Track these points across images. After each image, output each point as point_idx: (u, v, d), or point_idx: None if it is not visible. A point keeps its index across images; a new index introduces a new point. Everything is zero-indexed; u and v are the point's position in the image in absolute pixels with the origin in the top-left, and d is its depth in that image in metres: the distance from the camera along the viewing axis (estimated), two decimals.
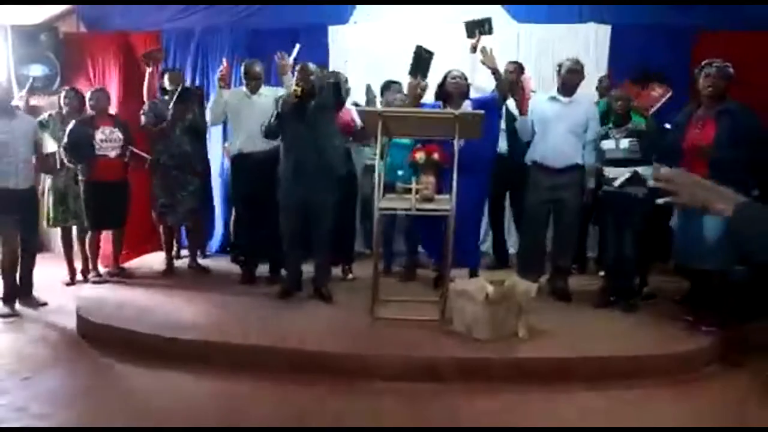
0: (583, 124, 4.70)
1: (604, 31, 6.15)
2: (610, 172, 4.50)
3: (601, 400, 3.48)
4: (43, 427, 3.05)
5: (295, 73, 4.61)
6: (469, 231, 4.75)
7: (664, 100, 4.43)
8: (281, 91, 4.89)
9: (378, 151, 4.17)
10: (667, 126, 4.52)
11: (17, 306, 4.94)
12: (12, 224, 4.84)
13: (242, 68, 5.29)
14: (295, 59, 4.87)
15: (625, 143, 4.40)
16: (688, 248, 4.19)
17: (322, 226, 4.72)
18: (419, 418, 3.29)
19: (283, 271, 5.09)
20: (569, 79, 4.72)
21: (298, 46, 5.03)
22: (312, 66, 4.64)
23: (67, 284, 5.71)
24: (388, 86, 5.52)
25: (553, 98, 4.79)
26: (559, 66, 4.80)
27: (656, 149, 4.36)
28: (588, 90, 5.39)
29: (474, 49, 4.68)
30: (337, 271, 5.49)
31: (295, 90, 4.51)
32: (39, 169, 5.16)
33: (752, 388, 3.67)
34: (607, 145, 4.49)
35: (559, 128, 4.68)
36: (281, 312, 4.54)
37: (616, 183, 4.42)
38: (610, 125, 4.54)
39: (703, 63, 4.19)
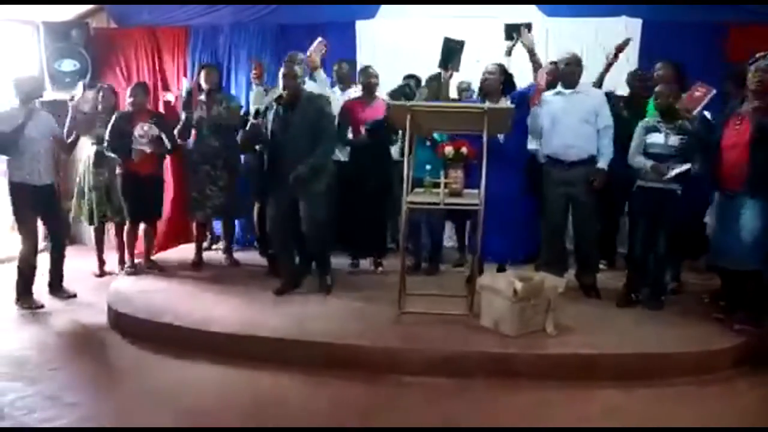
0: (593, 113, 4.68)
1: (634, 26, 6.07)
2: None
3: (628, 398, 3.46)
4: (43, 428, 3.07)
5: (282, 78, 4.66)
6: (514, 224, 4.71)
7: (707, 100, 4.35)
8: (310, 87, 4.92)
9: (407, 146, 4.16)
10: (706, 114, 4.44)
11: (39, 298, 4.96)
12: (34, 220, 4.91)
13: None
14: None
15: (675, 140, 4.32)
16: (725, 248, 4.12)
17: (310, 227, 4.70)
18: (446, 414, 3.28)
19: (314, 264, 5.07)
20: (566, 71, 4.74)
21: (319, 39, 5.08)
22: (297, 69, 4.64)
23: (97, 276, 5.81)
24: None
25: (558, 92, 4.82)
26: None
27: (702, 148, 4.28)
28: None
29: (509, 52, 4.66)
30: (365, 263, 5.58)
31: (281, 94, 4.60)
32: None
33: None
34: (655, 138, 4.39)
35: (568, 121, 4.67)
36: (309, 305, 4.56)
37: (671, 174, 4.26)
38: (659, 119, 4.45)
39: (756, 56, 4.02)
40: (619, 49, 5.06)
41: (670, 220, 4.37)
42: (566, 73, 4.76)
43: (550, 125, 4.75)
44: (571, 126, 4.67)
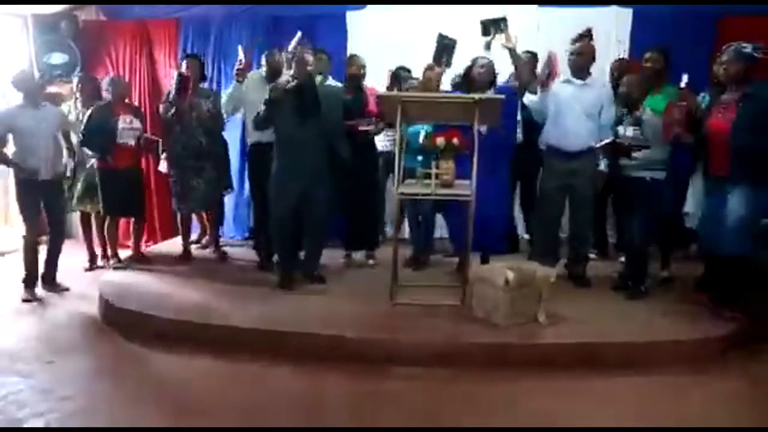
0: (597, 107, 4.68)
1: (625, 16, 6.08)
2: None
3: (621, 386, 3.48)
4: (42, 428, 3.06)
5: (293, 65, 4.60)
6: (499, 216, 4.75)
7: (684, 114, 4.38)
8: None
9: (397, 137, 4.16)
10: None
11: (39, 291, 5.00)
12: (36, 210, 4.91)
13: (263, 60, 5.30)
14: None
15: (629, 131, 4.38)
16: (711, 233, 4.15)
17: (317, 218, 4.74)
18: (439, 404, 3.29)
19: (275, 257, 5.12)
20: (576, 61, 4.72)
21: (299, 34, 5.00)
22: (309, 57, 4.59)
23: (87, 270, 5.80)
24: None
25: (568, 81, 4.79)
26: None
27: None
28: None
29: (488, 46, 4.66)
30: (358, 255, 5.59)
31: (288, 80, 4.52)
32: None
33: None
34: (620, 131, 4.46)
35: (574, 111, 4.67)
36: (301, 298, 4.56)
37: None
38: (625, 111, 4.50)
39: (723, 48, 4.14)
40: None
41: (648, 209, 4.39)
42: (575, 64, 4.73)
43: (554, 114, 4.74)
44: (574, 117, 4.66)
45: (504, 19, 4.61)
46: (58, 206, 5.10)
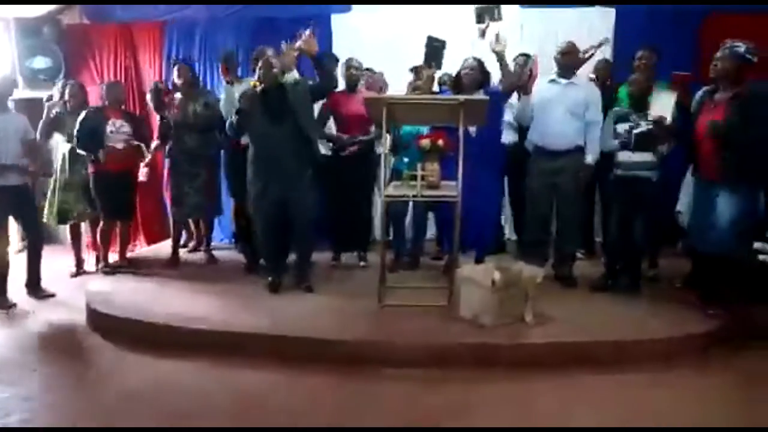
0: (583, 105, 4.69)
1: (608, 15, 6.11)
2: (622, 156, 4.45)
3: (608, 385, 3.48)
4: (40, 428, 3.05)
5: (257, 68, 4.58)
6: (488, 217, 4.78)
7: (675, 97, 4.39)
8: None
9: (383, 139, 4.16)
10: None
11: (10, 298, 4.91)
12: (4, 220, 4.85)
13: (254, 56, 5.27)
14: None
15: (644, 128, 4.37)
16: (702, 233, 4.16)
17: (301, 223, 4.68)
18: (428, 405, 3.29)
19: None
20: (562, 60, 4.75)
21: (309, 29, 4.94)
22: (274, 60, 4.55)
23: (73, 275, 5.76)
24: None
25: (553, 81, 4.82)
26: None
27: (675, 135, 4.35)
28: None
29: (483, 33, 4.66)
30: (346, 257, 5.59)
31: (254, 84, 4.50)
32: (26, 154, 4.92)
33: (757, 370, 3.68)
34: (624, 127, 4.44)
35: (559, 110, 4.68)
36: (289, 300, 4.55)
37: (640, 129, 4.31)
38: (629, 107, 4.50)
39: (720, 45, 4.13)
40: (594, 48, 5.10)
41: (648, 207, 4.42)
42: (562, 63, 4.77)
43: (539, 113, 4.76)
44: (558, 116, 4.68)
45: (498, 6, 4.62)
46: (28, 211, 5.03)
